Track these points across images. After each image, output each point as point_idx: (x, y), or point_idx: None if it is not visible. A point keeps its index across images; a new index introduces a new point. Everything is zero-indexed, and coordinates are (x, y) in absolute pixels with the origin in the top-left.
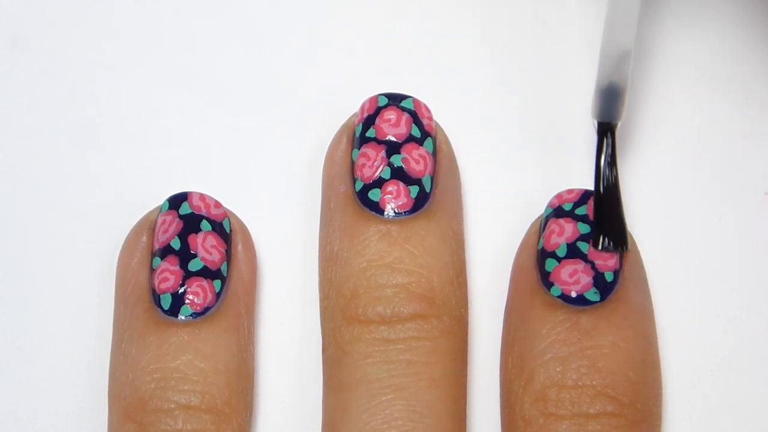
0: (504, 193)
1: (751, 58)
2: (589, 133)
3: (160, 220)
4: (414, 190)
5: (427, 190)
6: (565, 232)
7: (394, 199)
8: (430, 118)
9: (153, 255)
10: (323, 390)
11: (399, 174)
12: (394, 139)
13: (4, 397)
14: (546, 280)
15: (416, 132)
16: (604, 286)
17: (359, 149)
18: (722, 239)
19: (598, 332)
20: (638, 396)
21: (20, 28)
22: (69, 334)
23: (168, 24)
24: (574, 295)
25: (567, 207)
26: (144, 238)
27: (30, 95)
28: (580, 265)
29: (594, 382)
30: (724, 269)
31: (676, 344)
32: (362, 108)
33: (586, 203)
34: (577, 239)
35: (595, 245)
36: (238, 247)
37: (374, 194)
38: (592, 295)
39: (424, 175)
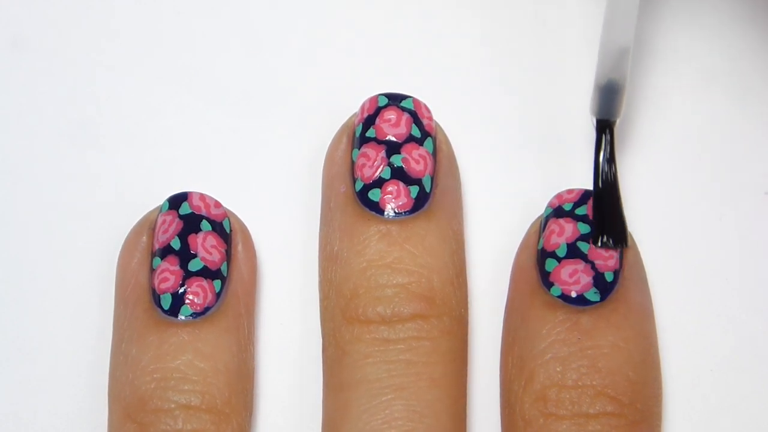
0: (504, 193)
1: (751, 56)
2: (589, 133)
3: (160, 220)
4: (414, 190)
5: (427, 190)
6: (565, 232)
7: (394, 199)
8: (430, 118)
9: (153, 255)
10: (323, 390)
11: (399, 174)
12: (394, 139)
13: (4, 397)
14: (546, 280)
15: (416, 132)
16: (604, 286)
17: (359, 149)
18: (722, 239)
19: (598, 332)
20: (638, 396)
21: (20, 28)
22: (69, 334)
23: (168, 24)
24: (574, 295)
25: (567, 207)
26: (144, 238)
27: (30, 95)
28: (580, 265)
29: (594, 382)
30: (724, 269)
31: (676, 344)
32: (362, 108)
33: (586, 203)
34: (577, 239)
35: (595, 242)
36: (238, 247)
37: (374, 194)
38: (592, 295)
39: (424, 175)
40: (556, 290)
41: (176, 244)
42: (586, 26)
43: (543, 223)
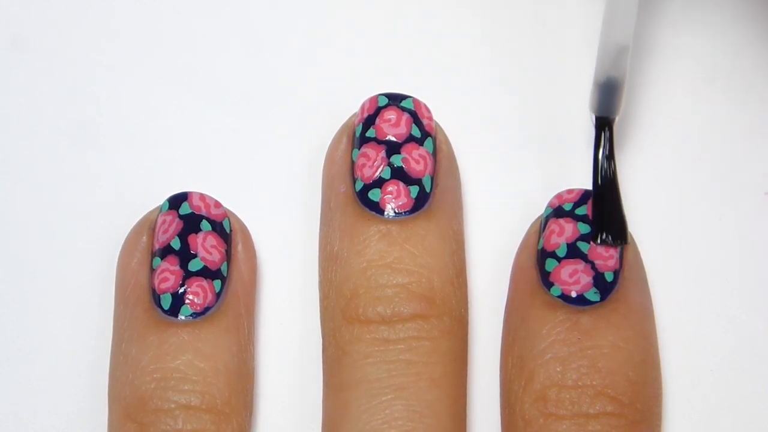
0: (504, 193)
1: (752, 53)
2: (590, 133)
3: (160, 220)
4: (414, 190)
5: (427, 190)
6: (565, 232)
7: (394, 199)
8: (430, 118)
9: (153, 255)
10: (323, 390)
11: (399, 174)
12: (394, 139)
13: (4, 397)
14: (546, 280)
15: (416, 132)
16: (604, 286)
17: (359, 149)
18: (722, 239)
19: (598, 332)
20: (638, 396)
21: (20, 28)
22: (69, 334)
23: (168, 24)
24: (574, 295)
25: (567, 207)
26: (144, 238)
27: (30, 95)
28: (580, 265)
29: (594, 382)
30: (724, 269)
31: (676, 344)
32: (362, 108)
33: (586, 203)
34: (577, 239)
35: (594, 240)
36: (238, 247)
37: (374, 194)
38: (592, 295)
39: (424, 175)
40: (556, 290)
41: (176, 244)
42: (586, 26)
43: (543, 223)
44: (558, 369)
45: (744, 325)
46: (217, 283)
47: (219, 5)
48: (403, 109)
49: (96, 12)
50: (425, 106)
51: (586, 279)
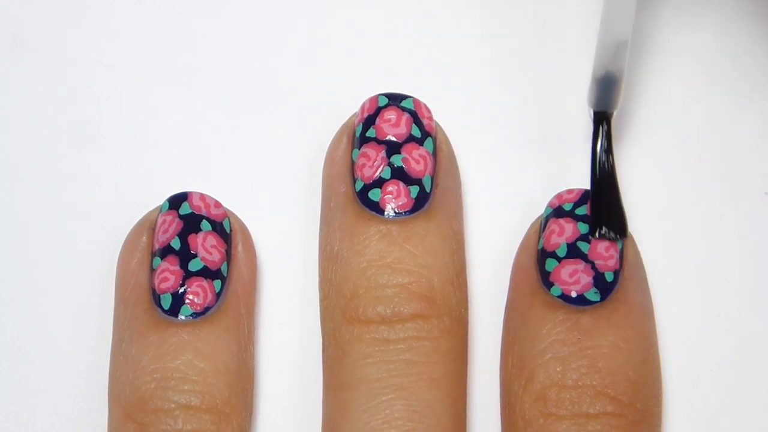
0: (504, 193)
1: (752, 50)
2: (589, 133)
3: (160, 220)
4: (414, 190)
5: (427, 190)
6: (565, 232)
7: (394, 199)
8: (431, 118)
9: (153, 255)
10: (323, 390)
11: (399, 174)
12: (394, 139)
13: (4, 397)
14: (546, 280)
15: (416, 132)
16: (604, 286)
17: (359, 149)
18: (722, 239)
19: (598, 332)
20: (638, 396)
21: (20, 28)
22: (69, 334)
23: (168, 24)
24: (574, 295)
25: (567, 207)
26: (144, 238)
27: (30, 95)
28: (581, 265)
29: (594, 382)
30: (724, 269)
31: (676, 344)
32: (362, 108)
33: (586, 203)
34: (577, 239)
35: (593, 234)
36: (238, 247)
37: (374, 194)
38: (592, 295)
39: (424, 175)
40: (556, 290)
41: (176, 244)
42: (586, 26)
43: (543, 223)
44: (558, 369)
45: (744, 325)
46: (217, 283)
47: (219, 5)
48: (403, 109)
49: (96, 12)
50: (425, 106)
51: (586, 279)
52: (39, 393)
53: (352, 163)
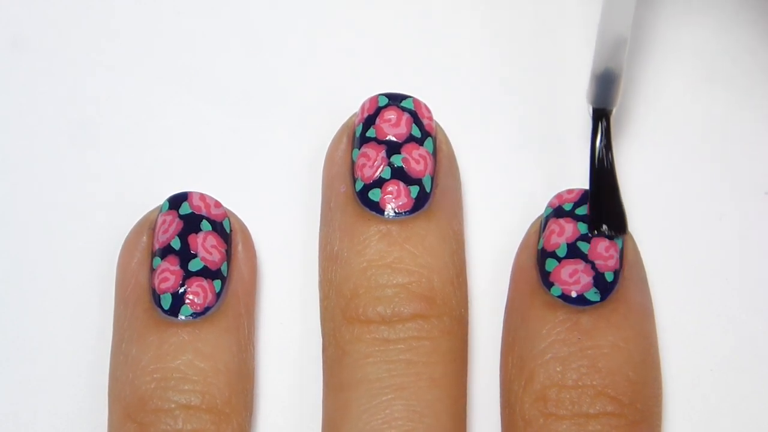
0: (504, 193)
1: (752, 47)
2: (590, 134)
3: (160, 220)
4: (414, 190)
5: (428, 190)
6: (565, 232)
7: (394, 199)
8: (431, 118)
9: (153, 255)
10: (323, 390)
11: (399, 174)
12: (394, 139)
13: (4, 397)
14: (546, 280)
15: (416, 132)
16: (604, 286)
17: (359, 149)
18: (722, 239)
19: (598, 332)
20: (638, 396)
21: (20, 28)
22: (69, 334)
23: (168, 24)
24: (574, 295)
25: (567, 207)
26: (144, 238)
27: (30, 95)
28: (581, 265)
29: (594, 382)
30: (724, 269)
31: (676, 344)
32: (362, 108)
33: (586, 203)
34: (578, 239)
35: (591, 230)
36: (238, 247)
37: (374, 194)
38: (592, 295)
39: (424, 175)
40: (556, 290)
41: (176, 244)
42: (586, 26)
43: (543, 223)
44: (558, 369)
45: (744, 325)
46: (217, 283)
47: (219, 5)
48: (404, 109)
49: (96, 12)
50: (425, 106)
51: (586, 279)
52: (39, 393)
53: (352, 163)
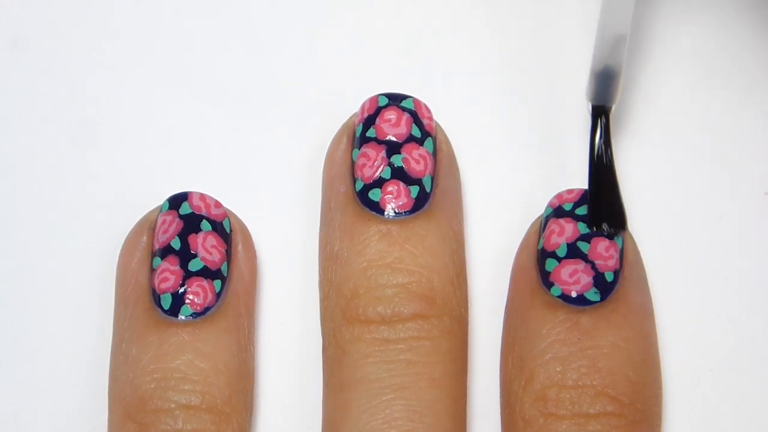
0: (504, 193)
1: (752, 45)
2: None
3: (160, 220)
4: (414, 190)
5: (428, 190)
6: (565, 232)
7: (394, 199)
8: (431, 118)
9: (153, 255)
10: (323, 390)
11: (399, 174)
12: (394, 139)
13: (4, 397)
14: (546, 280)
15: (416, 132)
16: (604, 286)
17: (359, 149)
18: (722, 239)
19: (598, 332)
20: (638, 396)
21: (20, 28)
22: (69, 334)
23: (168, 24)
24: (574, 295)
25: (567, 207)
26: (144, 238)
27: (30, 95)
28: (581, 265)
29: (594, 382)
30: (724, 269)
31: (676, 344)
32: (362, 108)
33: (586, 203)
34: (578, 239)
35: (591, 227)
36: (238, 247)
37: (374, 194)
38: (592, 295)
39: (424, 175)
40: (556, 290)
41: (176, 244)
42: (586, 26)
43: (543, 223)
44: (558, 369)
45: (744, 325)
46: (217, 283)
47: (219, 5)
48: (404, 109)
49: (96, 12)
50: (425, 106)
51: (586, 279)
52: (39, 393)
53: (352, 163)
